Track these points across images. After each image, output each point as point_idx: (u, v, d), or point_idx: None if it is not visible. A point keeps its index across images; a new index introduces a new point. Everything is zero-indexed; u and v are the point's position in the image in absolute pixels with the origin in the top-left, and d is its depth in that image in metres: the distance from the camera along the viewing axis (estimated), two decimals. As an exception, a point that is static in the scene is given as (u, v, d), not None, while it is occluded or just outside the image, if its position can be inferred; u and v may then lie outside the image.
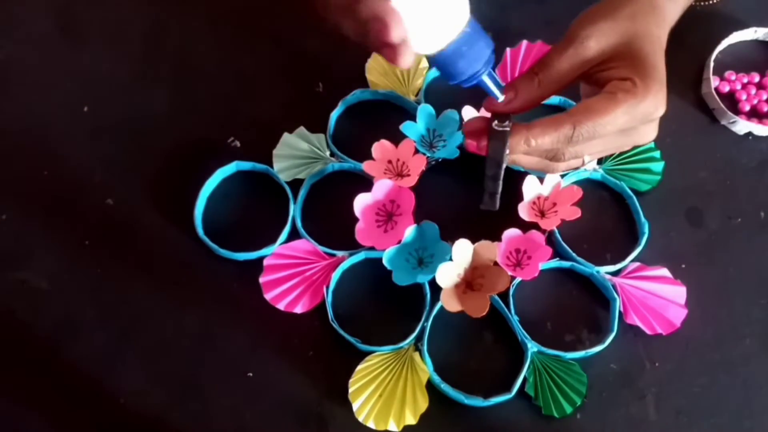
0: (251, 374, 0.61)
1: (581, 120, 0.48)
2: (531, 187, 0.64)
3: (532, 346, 0.60)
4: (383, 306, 0.63)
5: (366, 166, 0.65)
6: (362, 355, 0.60)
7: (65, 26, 0.76)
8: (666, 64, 0.71)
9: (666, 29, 0.54)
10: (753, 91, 0.71)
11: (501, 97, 0.51)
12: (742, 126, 0.69)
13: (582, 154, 0.52)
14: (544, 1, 0.76)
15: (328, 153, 0.68)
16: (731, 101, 0.71)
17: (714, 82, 0.71)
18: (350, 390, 0.58)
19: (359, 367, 0.59)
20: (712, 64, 0.71)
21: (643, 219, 0.65)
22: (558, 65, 0.51)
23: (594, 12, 0.52)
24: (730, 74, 0.72)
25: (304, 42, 0.74)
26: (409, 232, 0.62)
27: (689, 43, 0.74)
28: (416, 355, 0.60)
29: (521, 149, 0.50)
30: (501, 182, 0.53)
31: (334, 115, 0.70)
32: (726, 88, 0.71)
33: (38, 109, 0.73)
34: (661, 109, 0.51)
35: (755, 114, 0.71)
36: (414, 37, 0.44)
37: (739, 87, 0.71)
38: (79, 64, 0.72)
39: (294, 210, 0.65)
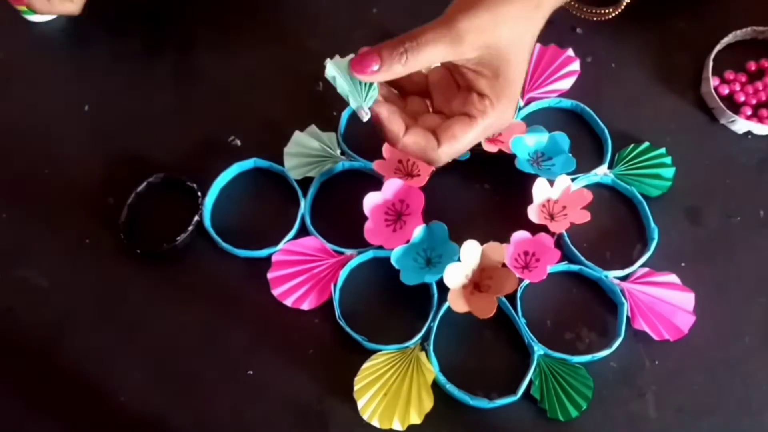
0: (251, 372, 0.61)
1: (444, 141, 0.54)
2: (541, 190, 0.64)
3: (539, 349, 0.60)
4: (390, 305, 0.63)
5: (376, 166, 0.65)
6: (362, 354, 0.60)
7: (65, 25, 0.75)
8: (666, 64, 0.73)
9: (539, 29, 0.54)
10: (752, 90, 0.72)
11: None
12: (741, 125, 0.69)
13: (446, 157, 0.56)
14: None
15: (338, 152, 0.67)
16: (730, 100, 0.72)
17: (713, 81, 0.71)
18: (355, 388, 0.58)
19: (365, 366, 0.59)
20: (711, 64, 0.71)
21: (653, 224, 0.65)
22: (430, 53, 0.50)
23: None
24: (730, 74, 0.73)
25: (305, 41, 0.74)
26: (418, 232, 0.62)
27: (689, 42, 0.74)
28: (422, 355, 0.60)
29: (391, 139, 0.54)
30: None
31: (346, 113, 0.69)
32: (725, 88, 0.72)
33: (38, 109, 0.72)
34: (509, 118, 0.56)
35: (754, 113, 0.71)
36: None
37: (738, 87, 0.72)
38: (79, 64, 0.71)
39: (303, 208, 0.65)
